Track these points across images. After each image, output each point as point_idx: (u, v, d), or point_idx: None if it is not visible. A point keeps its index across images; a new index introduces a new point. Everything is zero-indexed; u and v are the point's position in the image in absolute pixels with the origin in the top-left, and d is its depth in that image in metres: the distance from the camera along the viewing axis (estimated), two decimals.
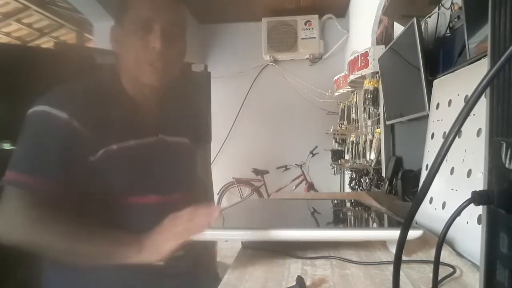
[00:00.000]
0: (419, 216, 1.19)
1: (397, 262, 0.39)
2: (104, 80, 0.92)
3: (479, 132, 0.95)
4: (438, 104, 1.31)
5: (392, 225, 0.98)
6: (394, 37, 2.06)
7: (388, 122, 2.21)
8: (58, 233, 0.76)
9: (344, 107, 3.96)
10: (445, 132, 1.21)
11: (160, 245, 0.75)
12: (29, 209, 0.76)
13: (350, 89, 3.47)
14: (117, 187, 0.85)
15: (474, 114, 0.94)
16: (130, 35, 0.86)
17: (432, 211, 1.14)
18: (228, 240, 0.93)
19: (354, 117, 3.47)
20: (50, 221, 0.76)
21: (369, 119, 2.84)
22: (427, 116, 1.41)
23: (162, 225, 0.76)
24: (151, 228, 0.81)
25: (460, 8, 1.34)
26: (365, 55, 2.68)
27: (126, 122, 0.88)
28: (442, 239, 0.44)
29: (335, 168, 4.32)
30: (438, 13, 1.55)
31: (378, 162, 2.57)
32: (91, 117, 0.82)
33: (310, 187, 4.57)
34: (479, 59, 1.07)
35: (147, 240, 0.76)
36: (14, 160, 0.79)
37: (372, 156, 2.66)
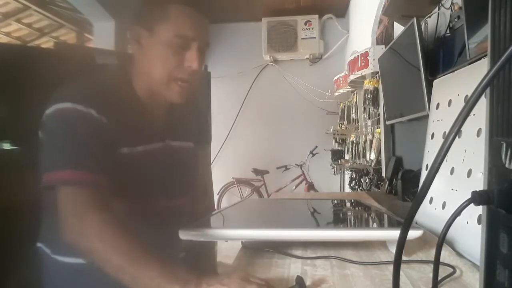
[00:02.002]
0: (419, 216, 1.19)
1: (397, 262, 0.39)
2: (115, 81, 0.90)
3: (479, 132, 0.95)
4: (438, 104, 1.31)
5: (392, 225, 0.98)
6: (394, 37, 2.06)
7: (388, 122, 2.21)
8: (122, 247, 0.70)
9: (344, 107, 3.96)
10: (445, 132, 1.21)
11: None
12: (98, 207, 0.74)
13: (350, 89, 3.47)
14: (131, 191, 0.86)
15: (474, 114, 0.94)
16: (164, 48, 0.84)
17: (432, 211, 1.14)
18: (228, 240, 0.93)
19: (354, 117, 3.47)
20: (116, 224, 0.73)
21: (369, 119, 2.84)
22: (427, 116, 1.41)
23: (230, 278, 0.67)
24: (156, 233, 0.81)
25: (460, 8, 1.34)
26: (365, 55, 2.68)
27: (137, 126, 0.88)
28: (442, 239, 0.44)
29: (335, 168, 4.32)
30: (438, 13, 1.55)
31: (378, 162, 2.57)
32: (113, 115, 0.82)
33: (310, 187, 4.57)
34: (479, 59, 1.07)
35: (208, 286, 0.66)
36: (57, 159, 0.77)
37: (372, 156, 2.66)
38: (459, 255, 0.86)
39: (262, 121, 4.76)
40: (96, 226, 0.73)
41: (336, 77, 3.78)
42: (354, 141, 3.31)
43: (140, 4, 0.90)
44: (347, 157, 3.64)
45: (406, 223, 0.37)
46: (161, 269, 0.67)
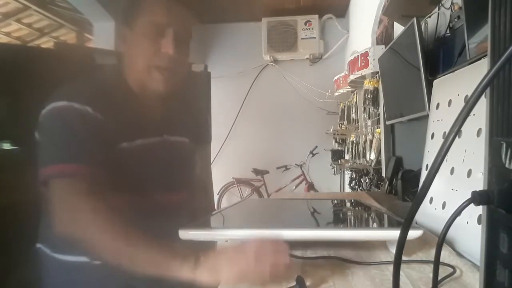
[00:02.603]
0: (419, 216, 1.19)
1: (397, 262, 0.39)
2: (110, 79, 0.92)
3: (479, 132, 0.94)
4: (438, 104, 1.31)
5: (392, 225, 0.98)
6: (394, 37, 2.06)
7: (388, 122, 2.21)
8: (116, 231, 0.71)
9: (344, 107, 3.96)
10: (445, 132, 1.21)
11: (218, 270, 0.66)
12: (90, 198, 0.74)
13: (350, 89, 3.47)
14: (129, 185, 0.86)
15: (474, 114, 0.94)
16: (141, 39, 0.86)
17: (432, 211, 1.14)
18: (228, 240, 0.93)
19: (354, 117, 3.47)
20: (110, 214, 0.73)
21: (369, 119, 2.84)
22: (427, 116, 1.41)
23: (228, 250, 0.68)
24: (157, 227, 0.81)
25: (460, 8, 1.34)
26: (365, 55, 2.68)
27: (134, 121, 0.89)
28: (442, 239, 0.44)
29: (335, 168, 4.32)
30: (438, 13, 1.55)
31: (378, 162, 2.57)
32: (108, 112, 0.83)
33: (310, 187, 4.57)
34: (479, 59, 1.07)
35: (206, 260, 0.67)
36: (52, 154, 0.78)
37: (372, 156, 2.66)
38: (459, 255, 0.86)
39: (262, 121, 4.76)
40: (89, 214, 0.73)
41: (336, 77, 3.78)
42: (354, 141, 3.31)
43: (122, 5, 0.92)
44: (347, 157, 3.64)
45: (406, 223, 0.37)
46: (159, 248, 0.68)
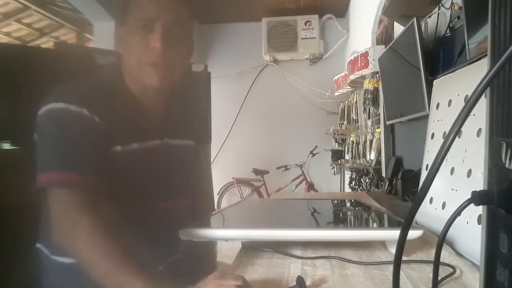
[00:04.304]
0: (419, 216, 1.19)
1: (397, 262, 0.39)
2: (108, 79, 0.91)
3: (479, 132, 0.94)
4: (438, 104, 1.31)
5: (392, 225, 0.98)
6: (394, 37, 2.06)
7: (388, 122, 2.21)
8: (108, 251, 0.70)
9: (344, 107, 3.96)
10: (445, 132, 1.21)
11: None
12: (88, 210, 0.73)
13: (350, 89, 3.47)
14: (127, 191, 0.85)
15: (474, 114, 0.94)
16: (132, 35, 0.85)
17: (432, 211, 1.14)
18: (228, 240, 0.93)
19: (354, 117, 3.47)
20: (107, 228, 0.72)
21: (369, 119, 2.84)
22: (427, 116, 1.41)
23: (206, 282, 0.65)
24: (154, 234, 0.81)
25: (460, 8, 1.34)
26: (365, 55, 2.68)
27: (132, 123, 0.87)
28: (442, 239, 0.44)
29: (335, 168, 4.32)
30: (438, 13, 1.55)
31: (378, 162, 2.57)
32: (106, 114, 0.82)
33: (310, 187, 4.57)
34: (479, 59, 1.07)
35: None
36: (50, 160, 0.77)
37: (372, 156, 2.66)
38: (459, 255, 0.86)
39: (262, 121, 4.76)
40: (85, 231, 0.72)
41: (336, 77, 3.78)
42: (354, 141, 3.31)
43: (116, 4, 0.92)
44: (347, 157, 3.64)
45: (406, 223, 0.38)
46: (145, 281, 0.66)
